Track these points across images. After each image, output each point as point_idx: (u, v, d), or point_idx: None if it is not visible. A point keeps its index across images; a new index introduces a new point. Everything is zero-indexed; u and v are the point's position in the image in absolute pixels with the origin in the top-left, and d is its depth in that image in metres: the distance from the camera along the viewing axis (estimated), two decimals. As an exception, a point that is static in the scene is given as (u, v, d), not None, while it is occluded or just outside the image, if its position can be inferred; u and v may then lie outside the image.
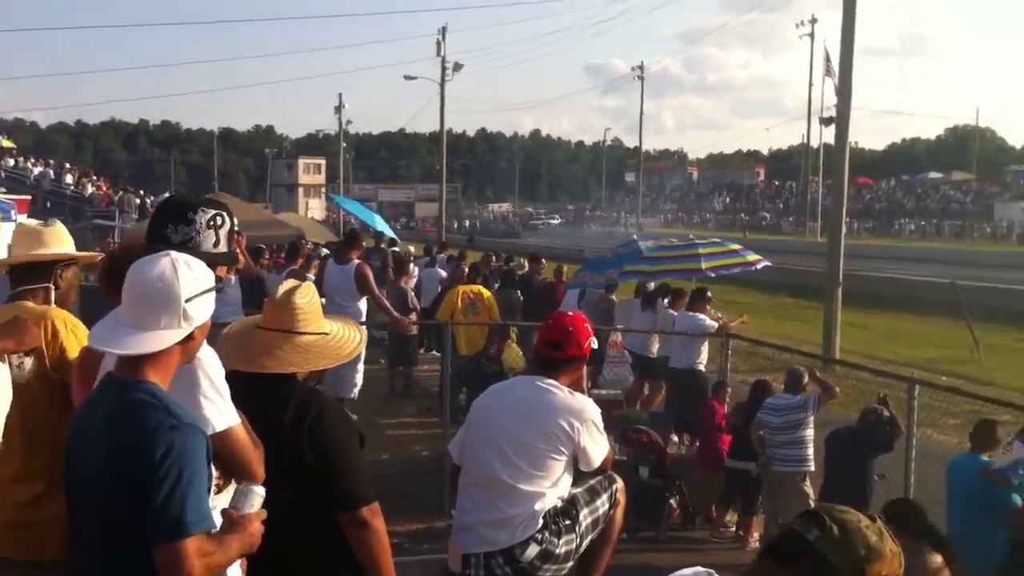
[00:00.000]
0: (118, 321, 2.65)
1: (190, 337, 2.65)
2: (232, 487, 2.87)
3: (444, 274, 17.46)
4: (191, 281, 2.62)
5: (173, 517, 2.44)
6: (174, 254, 2.68)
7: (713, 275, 12.23)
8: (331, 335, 3.44)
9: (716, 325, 11.01)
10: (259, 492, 2.76)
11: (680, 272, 12.43)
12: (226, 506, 2.75)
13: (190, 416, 2.59)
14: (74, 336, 3.67)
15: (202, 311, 2.66)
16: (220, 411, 2.86)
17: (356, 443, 3.37)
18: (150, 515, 2.45)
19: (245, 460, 2.92)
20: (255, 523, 2.71)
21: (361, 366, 10.75)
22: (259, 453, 2.98)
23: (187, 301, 2.60)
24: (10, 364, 3.36)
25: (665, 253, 12.50)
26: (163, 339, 2.58)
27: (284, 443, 3.15)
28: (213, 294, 2.72)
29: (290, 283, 3.51)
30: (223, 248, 3.20)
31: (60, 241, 3.92)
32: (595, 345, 4.44)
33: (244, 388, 3.09)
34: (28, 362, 3.55)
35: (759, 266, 12.72)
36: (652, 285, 12.68)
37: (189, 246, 3.03)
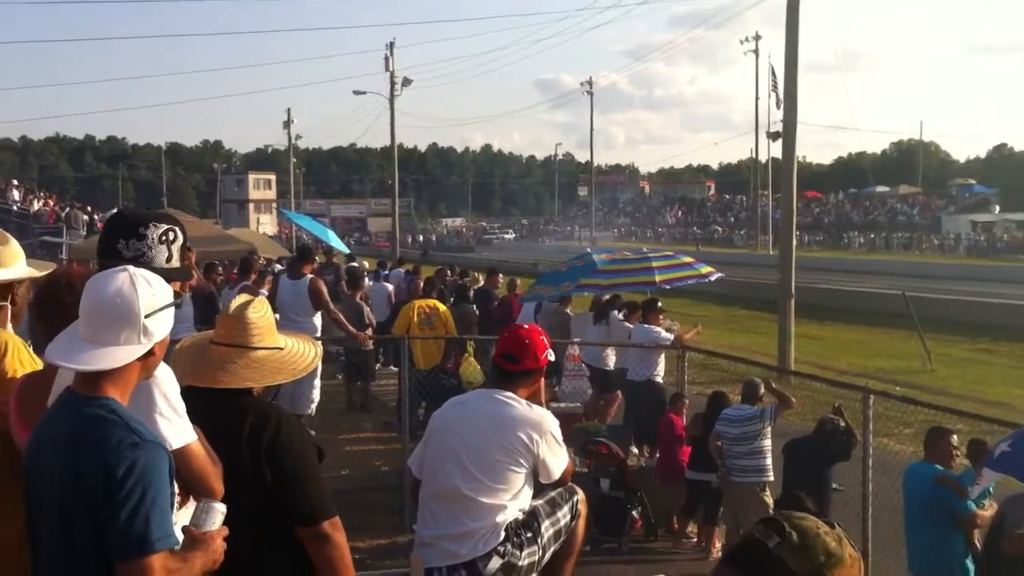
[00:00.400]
0: (75, 336, 2.61)
1: (150, 353, 2.61)
2: (191, 504, 2.82)
3: (390, 288, 17.42)
4: (150, 297, 2.59)
5: (137, 535, 2.40)
6: (132, 269, 2.64)
7: (668, 287, 12.32)
8: (286, 350, 3.40)
9: (672, 337, 11.05)
10: (220, 509, 2.74)
11: (635, 285, 12.51)
12: (186, 523, 2.71)
13: (151, 433, 2.56)
14: (18, 361, 3.58)
15: (162, 327, 2.63)
16: (176, 428, 2.82)
17: (315, 457, 3.33)
18: (113, 533, 2.41)
19: (203, 477, 2.88)
20: (217, 540, 2.69)
21: (318, 382, 10.66)
22: (217, 469, 2.94)
23: (147, 317, 2.57)
24: None
25: (620, 266, 12.58)
26: (123, 355, 2.55)
27: (242, 459, 3.11)
28: (172, 310, 2.69)
29: (243, 298, 3.46)
30: (176, 263, 3.18)
31: (15, 258, 3.81)
32: (552, 357, 4.44)
33: (201, 404, 3.06)
34: None
35: (712, 278, 12.86)
36: (606, 297, 12.73)
37: (141, 261, 3.00)
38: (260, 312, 3.38)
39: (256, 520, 3.09)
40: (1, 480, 3.32)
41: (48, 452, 2.56)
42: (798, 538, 1.85)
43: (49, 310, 3.11)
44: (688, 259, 13.44)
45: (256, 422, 3.21)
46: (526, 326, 4.69)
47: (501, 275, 16.77)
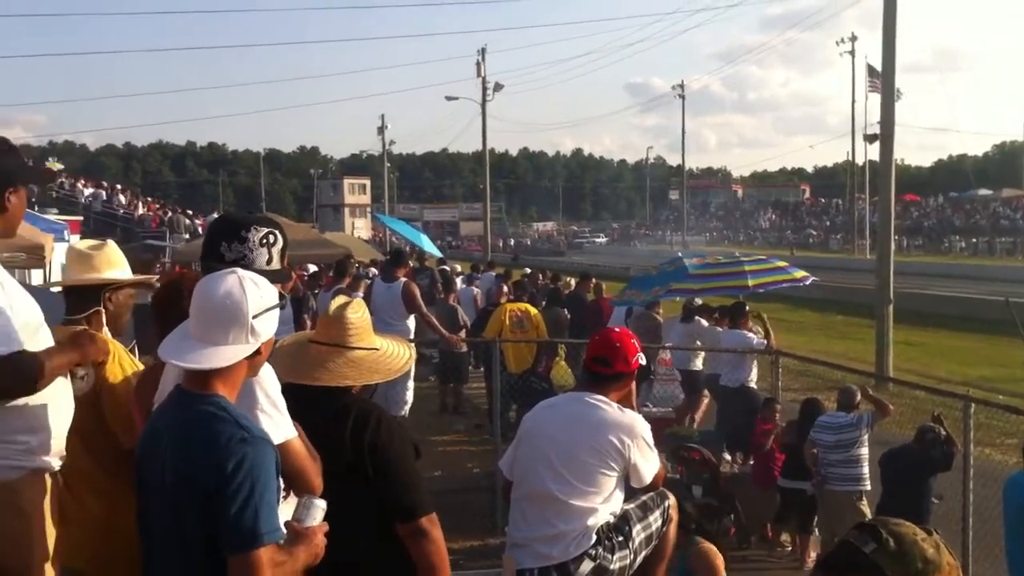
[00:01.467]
0: (186, 335, 2.71)
1: (256, 352, 2.70)
2: (292, 500, 2.90)
3: (476, 292, 17.56)
4: (258, 298, 2.67)
5: (247, 528, 2.48)
6: (240, 271, 2.73)
7: (761, 291, 12.07)
8: (382, 351, 3.48)
9: (764, 343, 10.91)
10: (320, 505, 2.80)
11: (727, 289, 12.26)
12: (288, 518, 2.77)
13: (260, 429, 2.65)
14: (119, 365, 3.71)
15: (268, 327, 2.72)
16: (277, 424, 2.89)
17: (413, 455, 3.39)
18: (224, 526, 2.49)
19: (303, 472, 2.95)
20: (319, 535, 2.75)
21: (411, 383, 10.80)
22: (317, 465, 3.01)
23: (254, 317, 2.65)
24: (73, 376, 3.41)
25: (711, 271, 12.34)
26: (232, 354, 2.64)
27: (344, 455, 3.19)
28: (277, 311, 2.77)
29: (341, 299, 3.56)
30: (276, 266, 3.22)
31: (111, 263, 3.92)
32: (643, 361, 4.45)
33: (304, 403, 3.14)
34: (91, 375, 3.61)
35: (807, 282, 12.51)
36: (699, 301, 12.61)
37: (242, 263, 3.06)
38: (358, 313, 3.47)
39: (357, 516, 3.15)
40: (119, 471, 3.48)
41: (162, 446, 2.65)
42: (895, 544, 1.84)
43: (168, 312, 3.23)
44: (782, 263, 13.12)
45: (358, 419, 3.29)
46: (617, 329, 4.69)
47: (593, 279, 16.72)
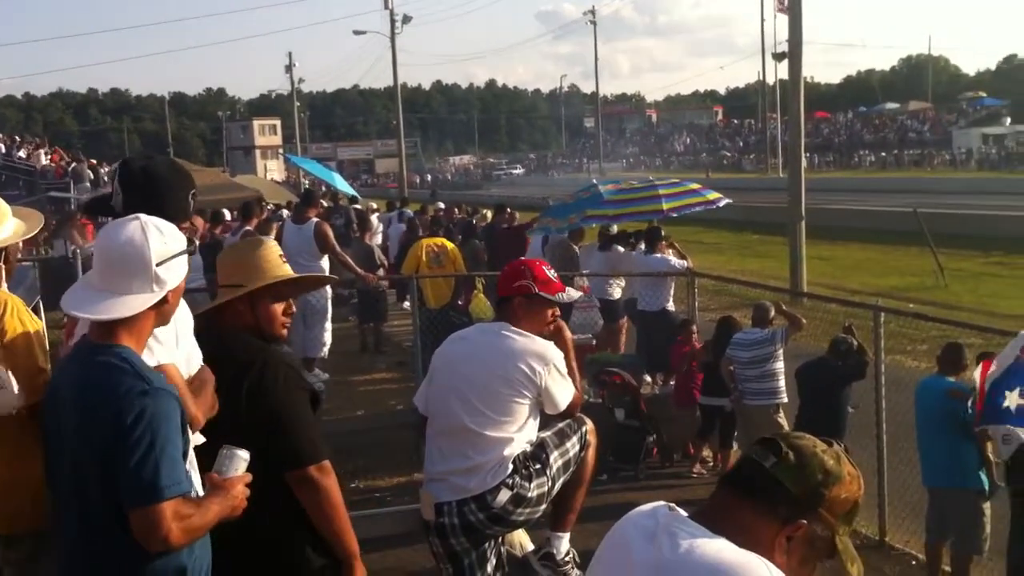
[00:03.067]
0: (89, 285, 2.64)
1: (163, 300, 2.63)
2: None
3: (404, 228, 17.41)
4: (161, 244, 2.60)
5: (146, 482, 2.43)
6: (143, 217, 2.65)
7: (675, 215, 12.14)
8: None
9: (686, 264, 10.99)
10: (243, 456, 2.75)
11: (642, 215, 12.31)
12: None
13: (161, 380, 2.57)
14: (17, 319, 3.56)
15: (175, 275, 2.65)
16: (156, 353, 2.80)
17: (304, 400, 3.25)
18: (123, 480, 2.44)
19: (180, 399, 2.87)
20: (238, 486, 2.71)
21: (328, 324, 10.73)
22: (199, 399, 2.89)
23: (158, 265, 2.58)
24: None
25: (627, 195, 12.38)
26: (135, 304, 2.57)
27: (224, 404, 3.05)
28: (186, 257, 2.70)
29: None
30: None
31: (2, 219, 3.72)
32: (560, 294, 4.34)
33: (209, 348, 3.08)
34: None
35: (720, 204, 12.56)
36: (615, 228, 12.63)
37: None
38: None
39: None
40: (23, 422, 3.36)
41: (62, 397, 2.60)
42: (795, 457, 1.84)
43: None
44: (695, 185, 13.22)
45: (240, 366, 3.18)
46: (523, 259, 4.65)
47: (509, 210, 16.63)
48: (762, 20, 67.04)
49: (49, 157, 37.71)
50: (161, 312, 2.66)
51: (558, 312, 4.44)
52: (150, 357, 2.76)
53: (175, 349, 2.90)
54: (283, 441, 3.14)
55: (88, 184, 30.68)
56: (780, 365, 8.14)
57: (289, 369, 3.29)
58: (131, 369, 2.51)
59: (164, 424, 2.47)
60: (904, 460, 7.19)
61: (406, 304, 13.44)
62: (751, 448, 1.92)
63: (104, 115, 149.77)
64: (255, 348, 3.28)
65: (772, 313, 8.40)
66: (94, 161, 40.09)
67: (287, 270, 3.43)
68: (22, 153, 36.76)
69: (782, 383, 8.13)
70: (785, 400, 8.14)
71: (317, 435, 3.24)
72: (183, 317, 2.96)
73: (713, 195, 12.45)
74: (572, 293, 4.50)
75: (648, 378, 10.49)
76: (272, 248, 3.48)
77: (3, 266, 3.74)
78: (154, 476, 2.42)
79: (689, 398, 9.01)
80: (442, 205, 22.05)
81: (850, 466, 1.89)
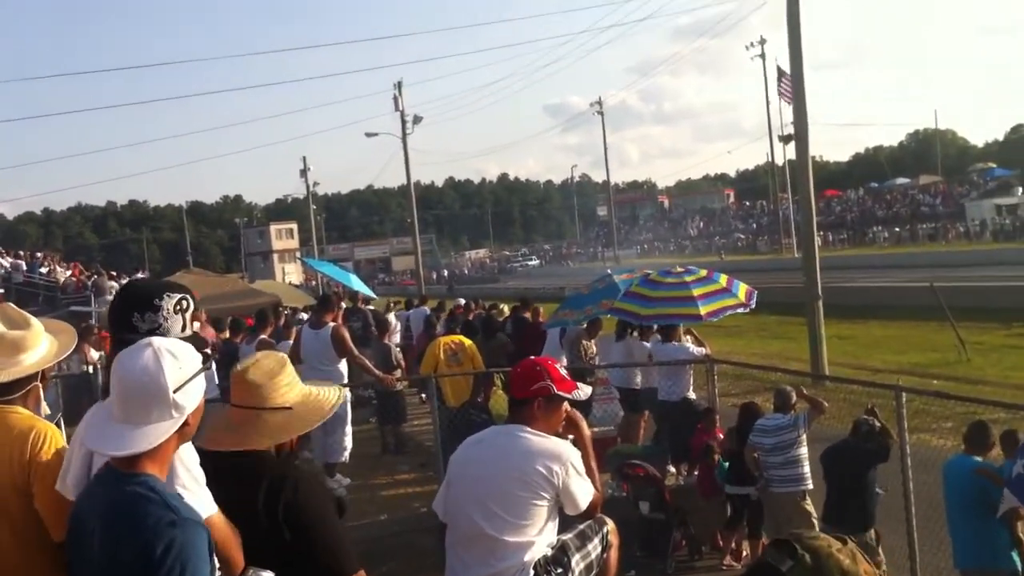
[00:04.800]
0: (108, 416, 2.62)
1: (184, 423, 2.63)
2: None
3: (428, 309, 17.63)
4: (176, 370, 2.59)
5: None
6: (156, 343, 2.64)
7: (714, 319, 11.26)
8: (301, 405, 3.36)
9: (704, 351, 10.93)
10: None
11: (678, 318, 11.39)
12: None
13: (189, 510, 2.55)
14: (53, 449, 3.48)
15: (192, 398, 2.64)
16: (199, 499, 2.81)
17: (335, 513, 3.28)
18: None
19: (225, 548, 2.87)
20: None
21: (349, 428, 10.71)
22: (236, 538, 2.94)
23: (175, 391, 2.57)
24: None
25: (659, 293, 11.43)
26: (157, 433, 2.57)
27: (260, 523, 3.06)
28: (202, 377, 2.69)
29: (256, 357, 3.42)
30: (189, 332, 3.16)
31: (39, 340, 3.61)
32: (576, 392, 4.33)
33: (217, 469, 3.04)
34: None
35: (752, 304, 11.58)
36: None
37: (157, 333, 2.99)
38: (263, 371, 3.33)
39: None
40: (51, 564, 3.33)
41: (89, 527, 2.57)
42: (811, 560, 1.82)
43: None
44: (723, 280, 11.76)
45: (272, 485, 3.17)
46: (534, 358, 4.65)
47: (520, 302, 16.71)
48: (767, 102, 68.15)
49: (70, 272, 38.18)
50: (182, 434, 2.65)
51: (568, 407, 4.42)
52: (192, 500, 2.75)
53: (205, 488, 2.90)
54: (322, 555, 3.13)
55: (108, 297, 30.97)
56: (804, 451, 8.05)
57: (318, 482, 3.29)
58: (159, 499, 2.50)
59: (193, 554, 2.45)
60: (935, 542, 7.07)
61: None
62: (766, 551, 1.90)
63: (123, 227, 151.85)
64: (283, 465, 3.27)
65: (794, 398, 8.34)
66: (114, 273, 40.54)
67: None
68: (44, 269, 37.22)
69: (807, 469, 8.03)
70: (811, 486, 8.04)
71: (350, 546, 3.24)
72: (190, 448, 2.93)
73: (742, 291, 11.51)
74: (586, 389, 4.49)
75: (672, 469, 10.39)
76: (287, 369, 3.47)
77: (40, 386, 3.74)
78: None
79: (715, 488, 8.90)
80: (462, 301, 22.15)
81: (866, 564, 1.87)
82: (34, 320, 3.72)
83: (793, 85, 19.86)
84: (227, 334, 14.77)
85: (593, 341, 12.74)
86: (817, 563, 1.82)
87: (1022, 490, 5.48)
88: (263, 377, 3.32)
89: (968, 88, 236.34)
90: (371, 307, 21.13)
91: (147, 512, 2.46)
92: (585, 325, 12.80)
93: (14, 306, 3.87)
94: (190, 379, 2.62)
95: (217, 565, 2.67)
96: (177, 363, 2.59)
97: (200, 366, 2.69)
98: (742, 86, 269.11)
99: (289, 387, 3.37)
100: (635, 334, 12.09)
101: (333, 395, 3.47)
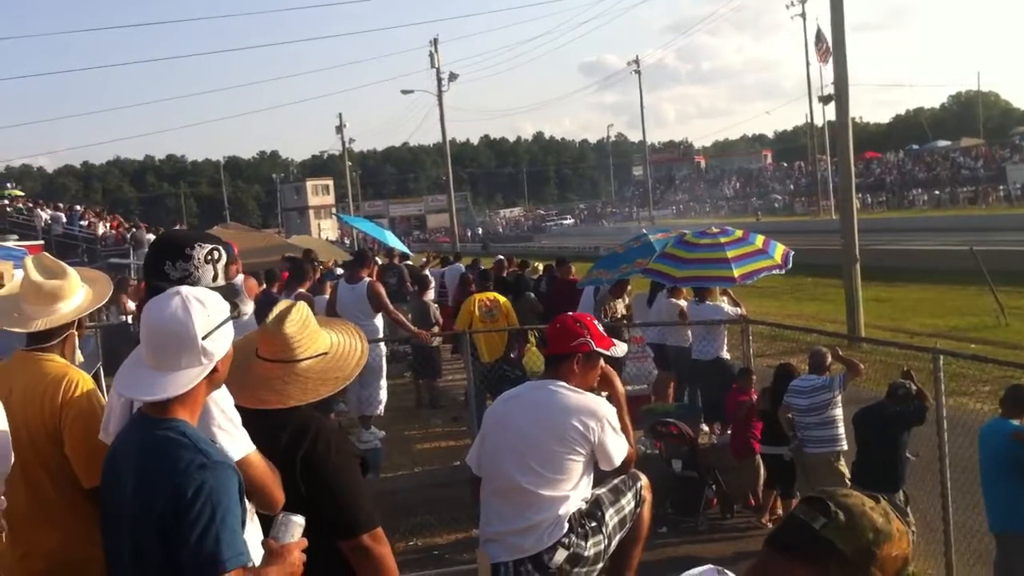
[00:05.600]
0: (139, 363, 2.67)
1: (214, 370, 2.67)
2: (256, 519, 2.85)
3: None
4: (204, 317, 2.63)
5: (208, 554, 2.44)
6: (184, 291, 2.68)
7: (749, 282, 11.21)
8: (331, 354, 3.36)
9: (739, 311, 10.85)
10: (298, 521, 2.75)
11: (712, 280, 11.27)
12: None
13: (220, 453, 2.61)
14: (87, 398, 3.54)
15: (221, 344, 2.68)
16: (235, 440, 2.86)
17: (356, 468, 3.27)
18: (185, 554, 2.46)
19: (264, 486, 2.91)
20: (295, 552, 2.70)
21: (384, 382, 10.78)
22: (277, 477, 2.97)
23: (204, 338, 2.61)
24: None
25: (693, 254, 11.30)
26: (187, 379, 2.61)
27: (282, 469, 3.06)
28: (231, 324, 2.72)
29: (282, 306, 3.37)
30: (221, 282, 3.20)
31: (75, 289, 3.69)
32: (614, 348, 4.35)
33: (246, 417, 3.06)
34: None
35: (788, 266, 11.38)
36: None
37: (188, 281, 3.04)
38: (295, 323, 3.29)
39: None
40: (77, 506, 3.41)
41: (121, 472, 2.62)
42: (845, 517, 1.81)
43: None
44: (760, 241, 11.59)
45: (292, 437, 3.18)
46: (574, 314, 4.65)
47: (556, 261, 16.66)
48: (807, 63, 67.25)
49: (109, 225, 38.56)
50: (213, 380, 2.69)
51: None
52: (229, 440, 2.81)
53: (242, 428, 2.93)
54: (337, 511, 3.15)
55: (147, 250, 31.27)
56: (839, 412, 8.03)
57: (340, 437, 3.31)
58: (189, 443, 2.54)
59: (224, 496, 2.49)
60: (970, 505, 7.03)
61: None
62: (798, 508, 1.89)
63: (161, 181, 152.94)
64: (305, 416, 3.27)
65: (829, 359, 8.30)
66: (153, 226, 40.90)
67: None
68: (83, 222, 37.63)
69: (842, 430, 8.01)
70: (845, 447, 8.01)
71: (369, 503, 3.25)
72: (225, 391, 2.95)
73: (779, 253, 11.32)
74: (622, 346, 4.50)
75: (705, 427, 10.40)
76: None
77: (76, 334, 3.78)
78: (215, 549, 2.44)
79: (747, 448, 8.91)
80: (501, 257, 22.16)
81: (899, 523, 1.86)
82: (71, 269, 3.77)
83: (834, 45, 19.55)
84: (265, 286, 14.88)
85: (625, 299, 12.69)
86: (850, 520, 1.81)
87: None
88: (292, 329, 3.28)
89: (1011, 50, 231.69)
90: (408, 262, 21.18)
91: (178, 455, 2.51)
92: (616, 285, 12.74)
93: (50, 256, 3.94)
94: (219, 326, 2.65)
95: (249, 507, 2.72)
96: (205, 310, 2.63)
97: (228, 314, 2.72)
98: (781, 46, 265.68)
99: (317, 333, 3.38)
100: (665, 293, 12.02)
101: (358, 345, 3.46)
